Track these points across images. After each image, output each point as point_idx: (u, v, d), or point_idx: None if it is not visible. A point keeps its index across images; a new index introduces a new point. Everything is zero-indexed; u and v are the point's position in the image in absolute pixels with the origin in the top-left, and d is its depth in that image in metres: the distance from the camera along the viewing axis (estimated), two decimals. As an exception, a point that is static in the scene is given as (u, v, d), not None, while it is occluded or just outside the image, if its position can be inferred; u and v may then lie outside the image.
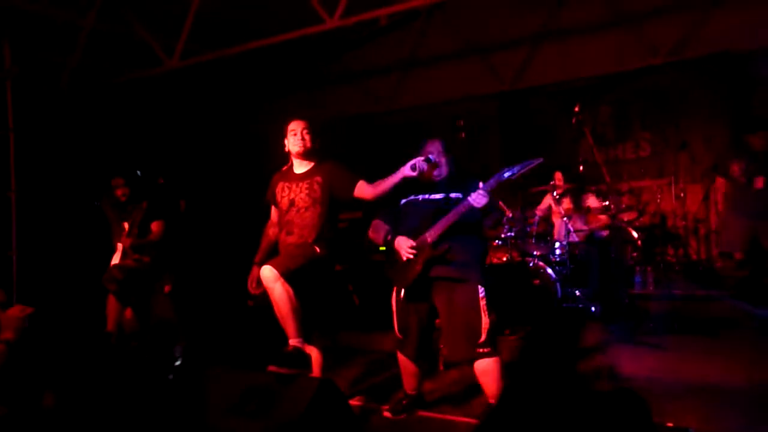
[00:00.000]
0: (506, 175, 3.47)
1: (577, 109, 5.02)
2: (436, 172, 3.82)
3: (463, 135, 5.81)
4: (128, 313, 4.97)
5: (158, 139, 7.02)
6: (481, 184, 3.52)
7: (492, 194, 3.54)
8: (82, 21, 6.05)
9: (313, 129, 4.11)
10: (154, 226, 5.17)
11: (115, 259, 5.12)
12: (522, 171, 3.44)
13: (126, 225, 5.11)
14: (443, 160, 3.83)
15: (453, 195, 3.73)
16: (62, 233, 6.02)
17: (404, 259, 3.72)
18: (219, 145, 7.95)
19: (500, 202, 4.02)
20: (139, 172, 5.30)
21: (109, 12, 6.08)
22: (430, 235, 3.67)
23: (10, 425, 2.80)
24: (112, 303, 4.83)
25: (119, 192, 5.16)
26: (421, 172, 3.62)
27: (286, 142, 4.14)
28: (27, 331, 3.04)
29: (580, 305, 5.56)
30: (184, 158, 7.25)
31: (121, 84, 6.60)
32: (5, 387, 2.99)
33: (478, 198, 3.50)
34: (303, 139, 4.06)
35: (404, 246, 3.72)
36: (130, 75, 6.55)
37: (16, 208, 5.78)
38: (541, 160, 3.44)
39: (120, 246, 5.13)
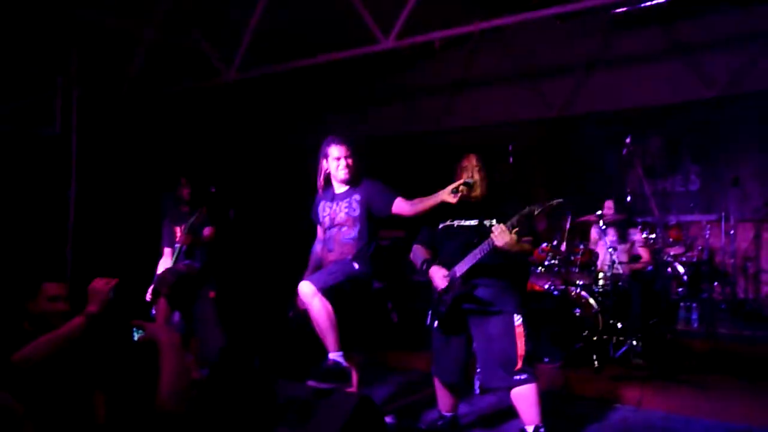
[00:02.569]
0: (524, 215, 3.46)
1: (628, 140, 4.98)
2: (473, 193, 3.79)
3: (511, 160, 5.84)
4: (175, 316, 5.08)
5: (212, 149, 7.19)
6: (498, 224, 3.50)
7: (525, 225, 3.51)
8: (145, 32, 6.28)
9: (356, 152, 4.12)
10: (207, 231, 5.27)
11: (164, 263, 5.27)
12: (542, 209, 3.44)
13: (177, 229, 5.25)
14: (479, 177, 3.80)
15: (486, 222, 3.69)
16: (115, 235, 6.21)
17: (438, 289, 3.78)
18: (269, 157, 8.10)
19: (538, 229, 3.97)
20: (212, 189, 5.41)
21: (172, 24, 6.30)
22: (459, 269, 3.70)
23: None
24: (162, 306, 4.96)
25: (185, 191, 5.28)
26: (461, 195, 3.64)
27: (324, 163, 4.15)
28: (111, 303, 2.98)
29: (621, 338, 5.50)
30: (236, 169, 7.41)
31: (179, 92, 6.81)
32: (63, 371, 2.93)
33: (500, 233, 3.47)
34: (348, 167, 4.09)
35: (437, 277, 3.79)
36: (188, 85, 6.76)
37: (74, 207, 6.00)
38: (561, 200, 3.45)
39: (169, 251, 5.28)
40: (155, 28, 6.26)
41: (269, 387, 2.51)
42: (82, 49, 6.08)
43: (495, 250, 3.53)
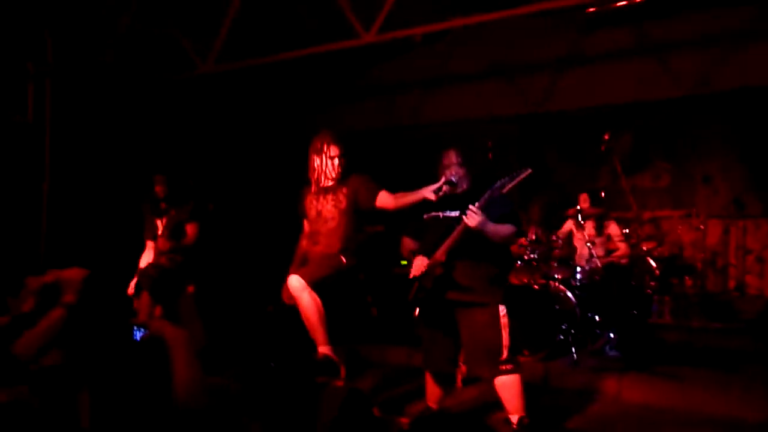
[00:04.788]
0: (497, 188, 3.46)
1: (607, 136, 5.07)
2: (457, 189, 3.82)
3: (491, 155, 5.90)
4: (157, 311, 5.02)
5: (191, 142, 7.11)
6: (470, 206, 3.49)
7: (493, 209, 3.53)
8: (121, 19, 6.15)
9: (346, 152, 4.20)
10: (189, 229, 5.25)
11: (147, 256, 5.20)
12: (512, 183, 3.43)
13: (158, 222, 5.19)
14: (461, 173, 3.82)
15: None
16: (93, 228, 6.07)
17: (411, 276, 3.79)
18: (248, 151, 8.02)
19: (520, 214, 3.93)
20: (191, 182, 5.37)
21: (149, 13, 6.18)
22: (439, 254, 3.69)
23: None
24: (144, 300, 4.90)
25: (158, 188, 5.23)
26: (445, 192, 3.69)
27: (317, 159, 4.18)
28: (84, 294, 2.94)
29: (598, 331, 5.61)
30: (216, 162, 7.33)
31: (156, 83, 6.69)
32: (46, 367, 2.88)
33: (470, 218, 3.48)
34: (341, 165, 4.16)
35: (416, 264, 3.79)
36: (163, 77, 6.64)
37: (47, 201, 5.85)
38: (529, 171, 3.41)
39: (151, 244, 5.21)
40: (131, 17, 6.13)
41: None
42: (56, 35, 5.92)
43: (468, 231, 3.53)
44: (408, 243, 4.09)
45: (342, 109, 9.01)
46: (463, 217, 3.51)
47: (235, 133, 7.93)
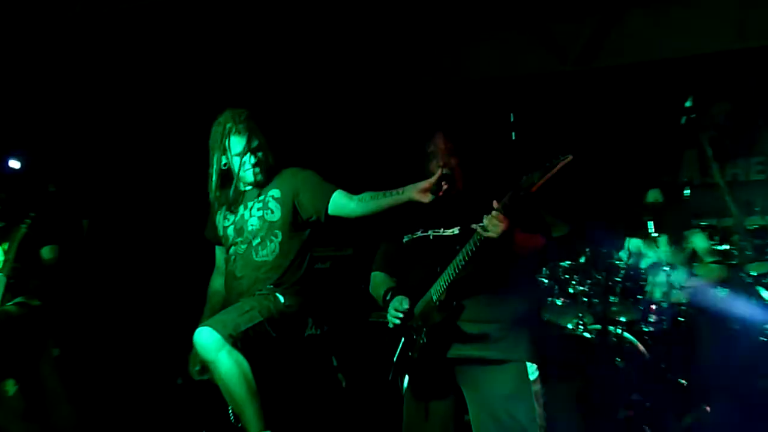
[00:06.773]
0: (523, 187, 3.38)
1: (689, 104, 5.00)
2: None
3: (514, 135, 5.89)
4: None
5: (49, 126, 7.01)
6: (494, 204, 3.42)
7: (517, 213, 3.46)
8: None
9: (271, 137, 4.22)
10: (46, 254, 5.23)
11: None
12: (544, 177, 3.34)
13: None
14: (452, 164, 3.83)
15: (475, 227, 3.57)
16: None
17: (403, 323, 3.76)
18: (142, 141, 7.89)
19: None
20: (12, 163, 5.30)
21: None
22: (435, 292, 3.69)
23: None
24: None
25: None
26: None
27: (220, 157, 4.17)
28: None
29: (686, 402, 5.55)
30: (91, 157, 7.22)
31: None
32: None
33: (492, 225, 3.39)
34: (259, 162, 4.17)
35: (392, 310, 3.77)
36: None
37: None
38: (569, 158, 3.31)
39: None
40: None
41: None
42: None
43: (485, 249, 3.47)
44: (381, 280, 4.12)
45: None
46: (479, 227, 3.43)
47: (119, 112, 7.79)
